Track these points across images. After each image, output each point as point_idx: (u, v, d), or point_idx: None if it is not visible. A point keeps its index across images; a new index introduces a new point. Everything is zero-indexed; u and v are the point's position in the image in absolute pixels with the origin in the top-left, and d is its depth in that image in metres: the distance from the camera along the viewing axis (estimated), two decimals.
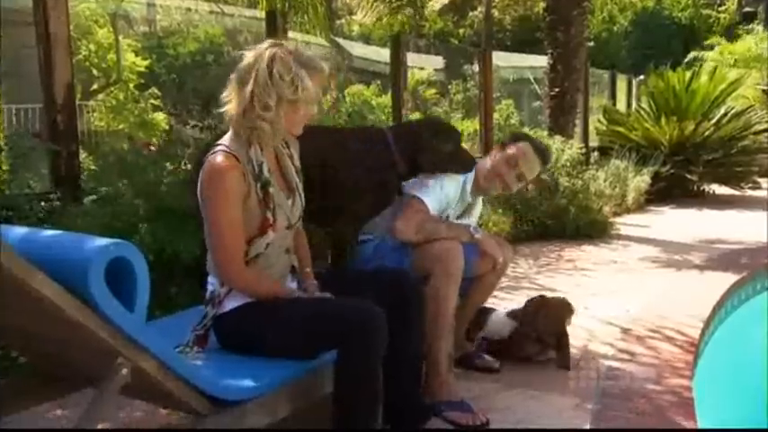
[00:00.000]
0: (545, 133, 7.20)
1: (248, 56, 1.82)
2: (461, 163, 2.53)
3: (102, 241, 1.44)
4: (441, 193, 2.54)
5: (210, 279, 1.91)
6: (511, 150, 2.62)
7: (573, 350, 2.95)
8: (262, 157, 1.85)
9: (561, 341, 2.76)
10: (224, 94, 1.84)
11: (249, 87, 1.78)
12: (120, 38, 8.46)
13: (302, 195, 1.98)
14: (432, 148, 2.45)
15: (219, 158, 1.78)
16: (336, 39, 11.94)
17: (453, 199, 2.59)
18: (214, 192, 1.78)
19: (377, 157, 2.40)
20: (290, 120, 1.85)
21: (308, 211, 2.04)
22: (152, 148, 3.90)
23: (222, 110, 1.84)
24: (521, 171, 2.62)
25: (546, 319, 2.75)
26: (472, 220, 2.77)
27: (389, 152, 2.41)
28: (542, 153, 2.66)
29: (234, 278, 1.84)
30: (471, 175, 2.64)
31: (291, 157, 2.00)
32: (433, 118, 2.69)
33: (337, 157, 2.34)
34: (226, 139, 1.85)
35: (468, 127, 8.19)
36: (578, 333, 3.17)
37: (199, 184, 1.83)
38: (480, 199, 2.82)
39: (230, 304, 1.87)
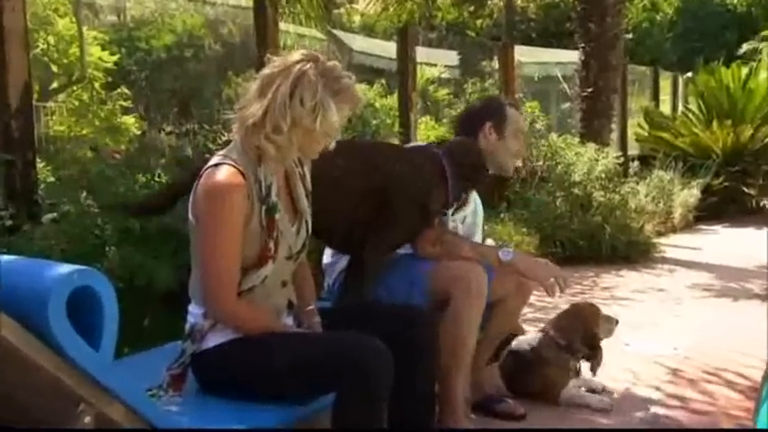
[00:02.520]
0: (576, 140, 7.22)
1: (275, 63, 1.83)
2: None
3: (63, 268, 1.44)
4: None
5: (192, 308, 1.91)
6: (513, 124, 2.72)
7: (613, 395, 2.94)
8: (271, 177, 1.86)
9: (592, 346, 2.83)
10: (244, 99, 1.85)
11: (265, 102, 1.79)
12: (84, 29, 8.49)
13: (309, 222, 2.00)
14: (482, 180, 2.59)
15: (224, 173, 1.78)
16: (334, 31, 12.01)
17: None
18: (213, 211, 1.78)
19: (430, 184, 2.42)
20: (304, 147, 1.87)
21: (333, 235, 2.05)
22: (117, 155, 3.92)
23: (238, 114, 1.85)
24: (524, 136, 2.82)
25: (573, 322, 2.83)
26: (471, 216, 2.80)
27: (444, 179, 2.45)
28: (519, 106, 2.92)
29: (225, 312, 1.84)
30: None
31: (303, 178, 2.01)
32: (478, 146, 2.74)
33: (387, 179, 2.37)
34: (231, 150, 1.85)
35: None
36: (619, 374, 3.17)
37: (193, 198, 1.84)
38: (475, 195, 2.84)
39: (214, 340, 1.87)
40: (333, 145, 1.92)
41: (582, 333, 2.84)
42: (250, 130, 1.81)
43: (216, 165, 1.81)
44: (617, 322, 2.93)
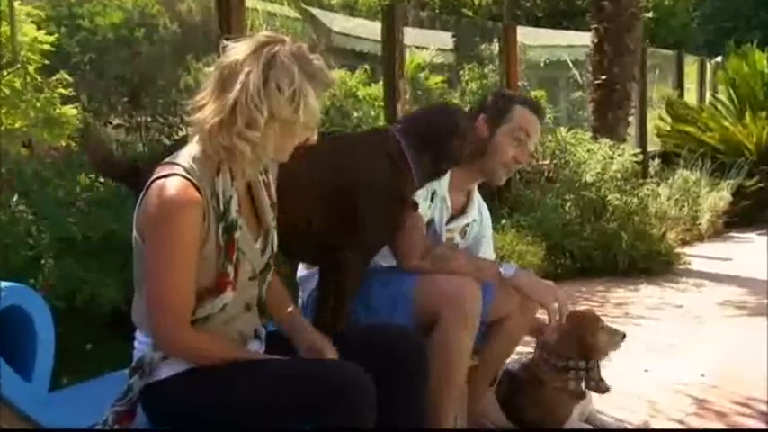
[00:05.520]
0: (588, 135, 7.25)
1: (237, 50, 1.79)
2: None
3: None
4: (427, 194, 2.58)
5: (140, 336, 1.90)
6: (513, 122, 2.66)
7: (628, 426, 2.95)
8: (231, 189, 1.84)
9: (586, 358, 2.78)
10: (197, 97, 1.81)
11: (233, 95, 1.75)
12: (16, 4, 8.45)
13: (274, 237, 1.99)
14: (452, 148, 2.49)
15: (175, 187, 1.75)
16: (310, 9, 12.03)
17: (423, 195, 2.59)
18: (162, 233, 1.75)
19: (390, 170, 2.40)
20: (279, 146, 1.84)
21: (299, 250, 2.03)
22: (55, 152, 3.90)
23: (192, 117, 1.81)
24: (531, 142, 2.70)
25: (568, 335, 2.75)
26: (475, 227, 2.80)
27: (403, 160, 2.42)
28: (538, 108, 2.75)
29: (176, 346, 1.82)
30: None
31: (267, 186, 2.00)
32: (443, 107, 2.68)
33: (342, 175, 2.35)
34: (185, 157, 1.81)
35: None
36: (636, 404, 3.18)
37: (139, 213, 1.81)
38: (477, 197, 2.83)
39: (167, 370, 1.85)
40: (315, 137, 1.90)
41: (578, 346, 2.79)
42: (215, 130, 1.76)
43: (165, 176, 1.77)
44: (623, 336, 2.86)
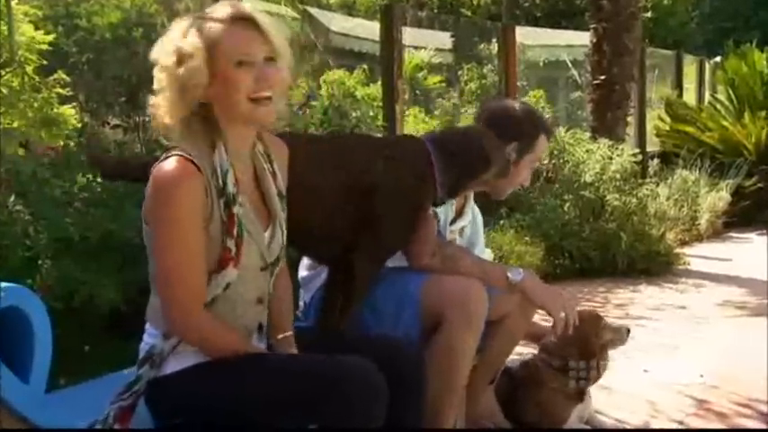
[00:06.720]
0: (587, 135, 7.25)
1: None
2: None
3: None
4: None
5: (150, 329, 1.90)
6: (535, 153, 2.72)
7: (628, 427, 2.94)
8: (227, 163, 1.85)
9: (587, 359, 2.77)
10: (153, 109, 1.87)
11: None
12: (13, 3, 8.44)
13: (284, 227, 1.99)
14: (478, 174, 2.52)
15: (172, 165, 1.77)
16: (308, 8, 12.03)
17: None
18: (165, 211, 1.77)
19: (416, 179, 2.40)
20: (223, 94, 1.83)
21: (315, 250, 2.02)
22: (52, 152, 3.89)
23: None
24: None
25: (568, 336, 2.69)
26: (470, 227, 2.83)
27: (430, 171, 2.42)
28: (550, 133, 2.89)
29: (188, 325, 1.82)
30: None
31: (275, 176, 2.01)
32: (478, 133, 2.68)
33: (367, 178, 2.34)
34: (180, 145, 1.84)
35: None
36: (636, 405, 3.18)
37: (144, 201, 1.83)
38: (471, 201, 2.85)
39: (173, 366, 1.85)
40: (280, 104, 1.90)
41: (578, 347, 2.78)
42: (173, 108, 1.81)
43: (163, 159, 1.81)
44: (628, 331, 2.87)
